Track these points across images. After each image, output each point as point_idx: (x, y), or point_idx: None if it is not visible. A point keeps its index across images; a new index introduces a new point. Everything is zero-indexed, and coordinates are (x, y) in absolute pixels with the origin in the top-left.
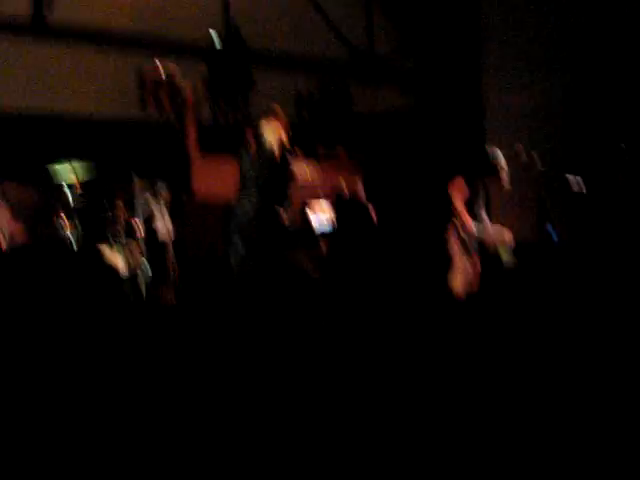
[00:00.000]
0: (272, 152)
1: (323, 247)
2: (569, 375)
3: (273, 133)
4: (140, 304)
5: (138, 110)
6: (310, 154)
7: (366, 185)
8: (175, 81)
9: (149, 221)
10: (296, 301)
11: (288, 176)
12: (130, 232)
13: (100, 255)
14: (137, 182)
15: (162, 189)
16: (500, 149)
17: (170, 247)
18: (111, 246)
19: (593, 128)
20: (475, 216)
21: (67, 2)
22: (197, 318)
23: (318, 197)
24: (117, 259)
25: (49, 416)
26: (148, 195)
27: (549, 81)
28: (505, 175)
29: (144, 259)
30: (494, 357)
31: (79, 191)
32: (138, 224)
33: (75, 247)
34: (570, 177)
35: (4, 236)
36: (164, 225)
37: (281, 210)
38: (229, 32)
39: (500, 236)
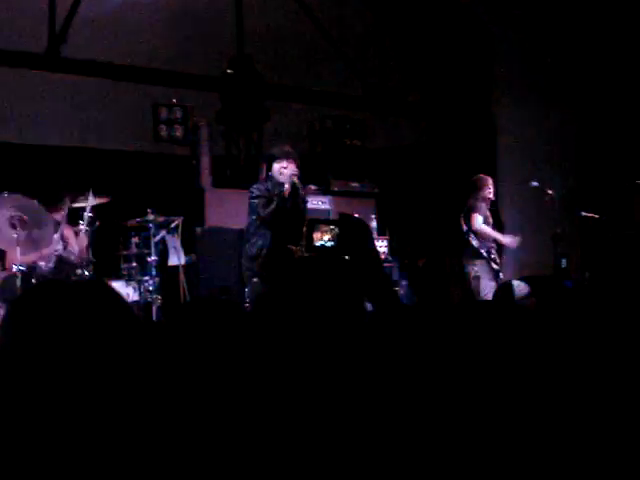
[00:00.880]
0: (285, 191)
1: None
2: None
3: (285, 173)
4: (153, 339)
5: (153, 144)
6: (324, 188)
7: (380, 217)
8: (190, 115)
9: (164, 256)
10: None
11: (301, 215)
12: (145, 268)
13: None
14: (152, 217)
15: (177, 224)
16: (513, 183)
17: (184, 283)
18: (127, 283)
19: (608, 163)
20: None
21: (83, 39)
22: (211, 358)
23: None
24: (131, 295)
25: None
26: (163, 232)
27: (563, 115)
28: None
29: (158, 295)
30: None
31: (93, 226)
32: (153, 260)
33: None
34: (585, 213)
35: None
36: (179, 260)
37: (295, 249)
38: (244, 66)
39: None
